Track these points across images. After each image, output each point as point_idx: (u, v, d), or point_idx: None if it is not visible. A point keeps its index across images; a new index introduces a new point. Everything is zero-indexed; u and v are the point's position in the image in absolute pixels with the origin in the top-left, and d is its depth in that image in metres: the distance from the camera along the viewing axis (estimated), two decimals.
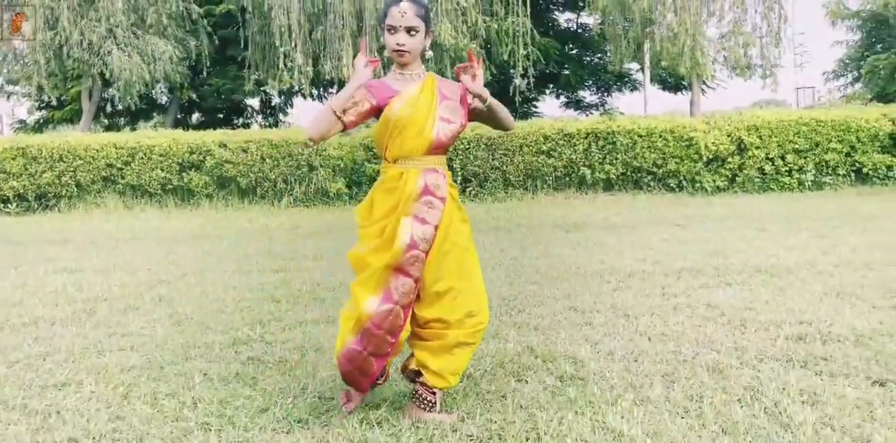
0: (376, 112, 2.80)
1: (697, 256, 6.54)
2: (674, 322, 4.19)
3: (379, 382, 2.92)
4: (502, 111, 2.93)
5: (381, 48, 15.59)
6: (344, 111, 2.73)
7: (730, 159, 13.23)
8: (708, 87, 19.84)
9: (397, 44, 2.74)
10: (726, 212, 10.36)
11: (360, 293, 2.72)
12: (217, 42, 18.72)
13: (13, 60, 17.66)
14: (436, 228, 2.74)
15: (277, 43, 15.35)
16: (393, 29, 2.73)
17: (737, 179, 13.32)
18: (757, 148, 13.20)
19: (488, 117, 2.95)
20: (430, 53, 2.88)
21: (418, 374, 2.79)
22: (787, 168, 13.28)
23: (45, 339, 4.17)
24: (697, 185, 13.23)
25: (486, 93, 2.80)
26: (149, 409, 2.97)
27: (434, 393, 2.79)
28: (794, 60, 34.52)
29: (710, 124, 13.39)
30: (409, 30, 2.73)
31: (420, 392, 2.79)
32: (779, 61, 16.41)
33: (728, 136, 13.23)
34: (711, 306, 4.56)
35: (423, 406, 2.79)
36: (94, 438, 2.73)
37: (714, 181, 13.25)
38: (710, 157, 13.23)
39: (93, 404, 3.06)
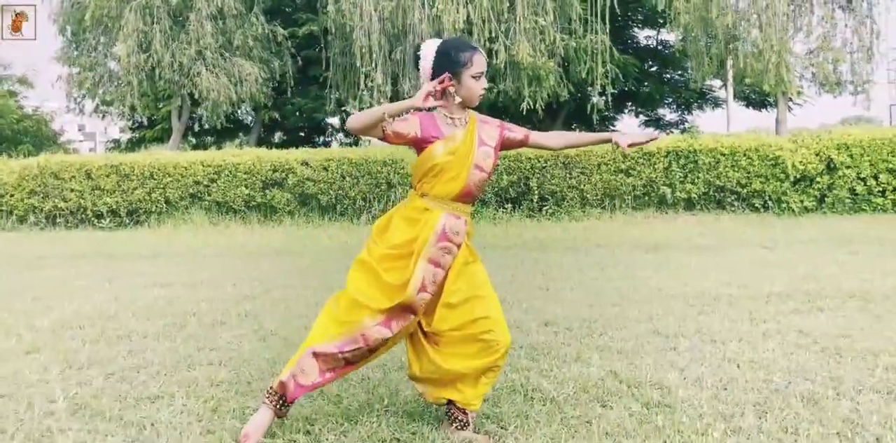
0: (413, 143, 2.91)
1: (786, 279, 6.33)
2: (764, 349, 4.05)
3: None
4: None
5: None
6: (393, 119, 2.80)
7: (818, 179, 12.76)
8: (794, 103, 19.26)
9: (483, 89, 2.91)
10: (815, 234, 10.00)
11: (360, 311, 2.85)
12: (300, 63, 19.26)
13: (108, 82, 18.58)
14: (446, 271, 2.88)
15: (358, 63, 15.70)
16: (479, 75, 2.87)
17: (826, 199, 12.82)
18: (848, 167, 12.68)
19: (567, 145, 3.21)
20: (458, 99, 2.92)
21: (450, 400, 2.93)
22: (881, 188, 12.70)
23: (138, 352, 4.33)
24: (784, 205, 12.80)
25: (644, 138, 3.02)
26: (238, 424, 3.04)
27: (466, 413, 2.90)
28: (888, 76, 33.04)
29: (798, 143, 12.96)
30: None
31: (453, 412, 2.91)
32: (871, 77, 15.83)
33: (817, 154, 12.76)
34: (803, 333, 4.40)
35: (457, 426, 2.89)
36: None
37: (802, 202, 12.79)
38: (798, 176, 12.78)
39: (185, 417, 3.15)
